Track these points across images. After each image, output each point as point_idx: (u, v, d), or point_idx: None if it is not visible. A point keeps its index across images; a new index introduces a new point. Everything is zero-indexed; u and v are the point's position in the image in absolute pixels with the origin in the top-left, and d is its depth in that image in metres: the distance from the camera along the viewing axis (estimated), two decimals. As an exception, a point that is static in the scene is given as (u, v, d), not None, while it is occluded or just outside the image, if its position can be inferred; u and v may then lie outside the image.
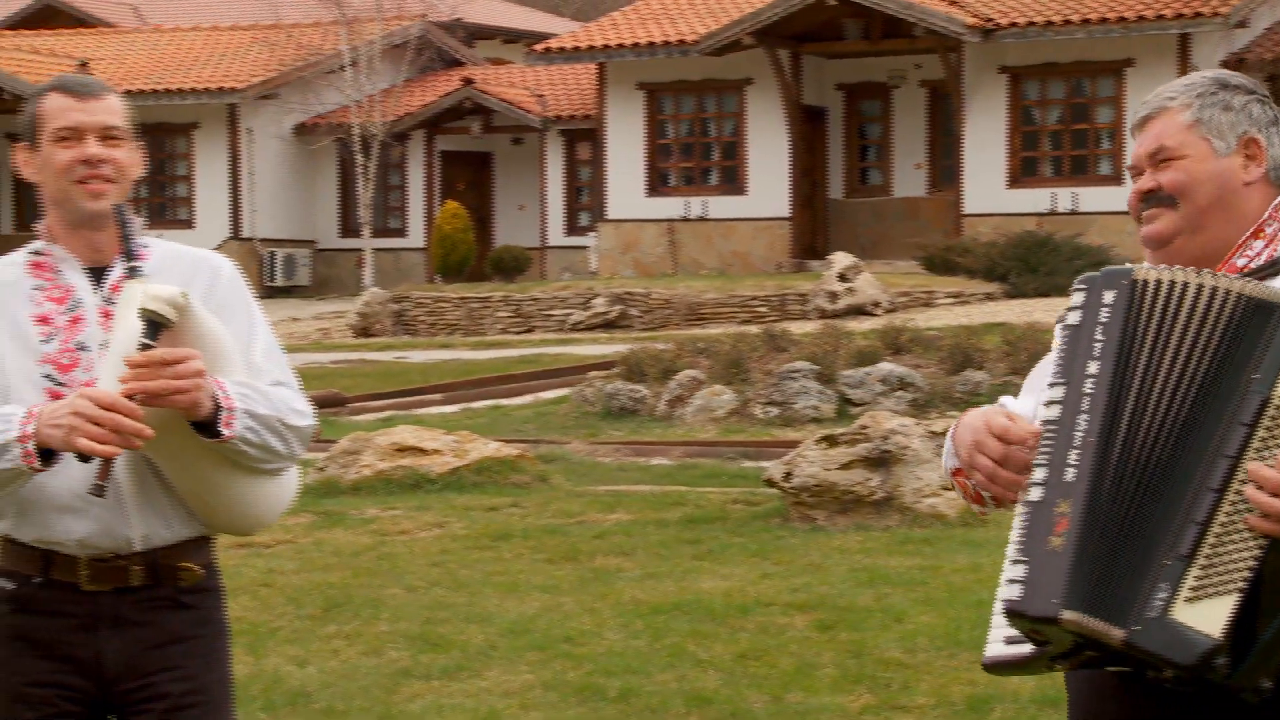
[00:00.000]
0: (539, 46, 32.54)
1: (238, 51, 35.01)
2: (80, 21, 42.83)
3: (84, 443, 3.05)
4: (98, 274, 3.29)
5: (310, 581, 8.49)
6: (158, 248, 3.37)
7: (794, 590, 8.11)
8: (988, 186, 28.78)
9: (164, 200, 34.33)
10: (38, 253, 3.33)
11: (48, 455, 3.13)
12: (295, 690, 6.58)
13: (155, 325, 3.10)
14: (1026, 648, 2.56)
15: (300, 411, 3.30)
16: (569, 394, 17.10)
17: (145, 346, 3.09)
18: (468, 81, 33.68)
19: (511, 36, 43.31)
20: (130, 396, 3.06)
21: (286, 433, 3.26)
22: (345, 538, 9.73)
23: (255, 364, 3.29)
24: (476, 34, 41.17)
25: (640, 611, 7.74)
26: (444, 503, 10.84)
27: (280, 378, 3.32)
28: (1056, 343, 2.68)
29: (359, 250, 33.34)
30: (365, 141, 32.59)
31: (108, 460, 3.08)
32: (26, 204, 36.11)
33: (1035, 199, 28.10)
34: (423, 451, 11.67)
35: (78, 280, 3.30)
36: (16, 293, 3.30)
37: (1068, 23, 28.02)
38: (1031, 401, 2.79)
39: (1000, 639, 2.60)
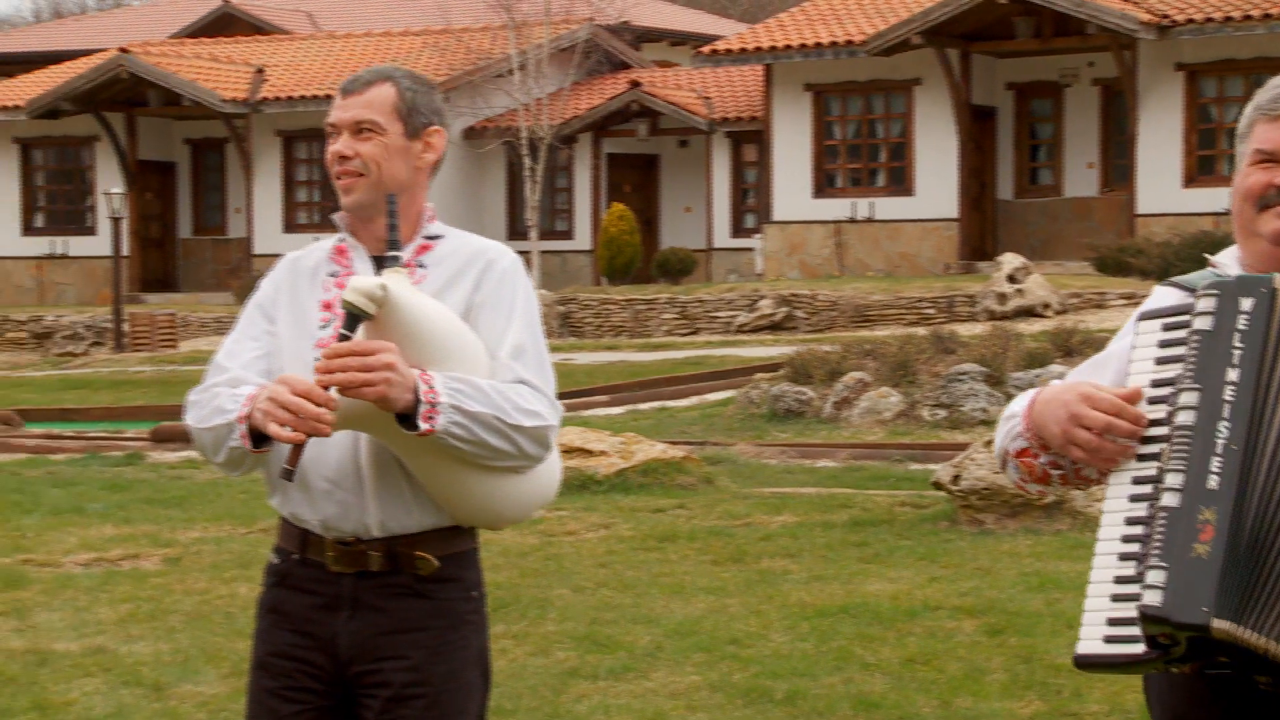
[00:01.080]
0: (706, 48, 32.55)
1: (408, 56, 35.43)
2: (257, 29, 43.66)
3: (273, 428, 3.11)
4: (381, 263, 3.32)
5: (478, 580, 8.54)
6: (448, 239, 3.40)
7: (962, 594, 8.02)
8: (1162, 186, 28.27)
9: (335, 204, 34.83)
10: (343, 239, 3.42)
11: (264, 438, 3.19)
12: (463, 688, 6.62)
13: (354, 317, 3.13)
14: (1137, 648, 2.49)
15: (530, 411, 3.23)
16: (734, 396, 17.08)
17: (343, 337, 3.13)
18: (634, 84, 33.79)
19: (678, 39, 43.38)
20: (324, 386, 3.10)
21: (510, 431, 3.21)
22: (513, 538, 9.79)
23: (500, 360, 3.27)
24: (644, 37, 41.29)
25: (806, 614, 7.70)
26: (610, 504, 10.87)
27: (525, 376, 3.27)
28: (1154, 339, 2.62)
29: (526, 252, 33.57)
30: (533, 144, 32.83)
31: (298, 446, 3.12)
32: (204, 208, 36.87)
33: (1212, 198, 27.51)
34: (589, 453, 11.72)
35: (363, 268, 3.35)
36: (314, 278, 3.38)
37: (1247, 18, 27.42)
38: None
39: (1098, 636, 2.53)
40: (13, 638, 7.63)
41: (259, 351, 3.36)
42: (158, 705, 6.57)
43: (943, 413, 14.97)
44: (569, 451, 11.72)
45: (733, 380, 18.75)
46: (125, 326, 28.82)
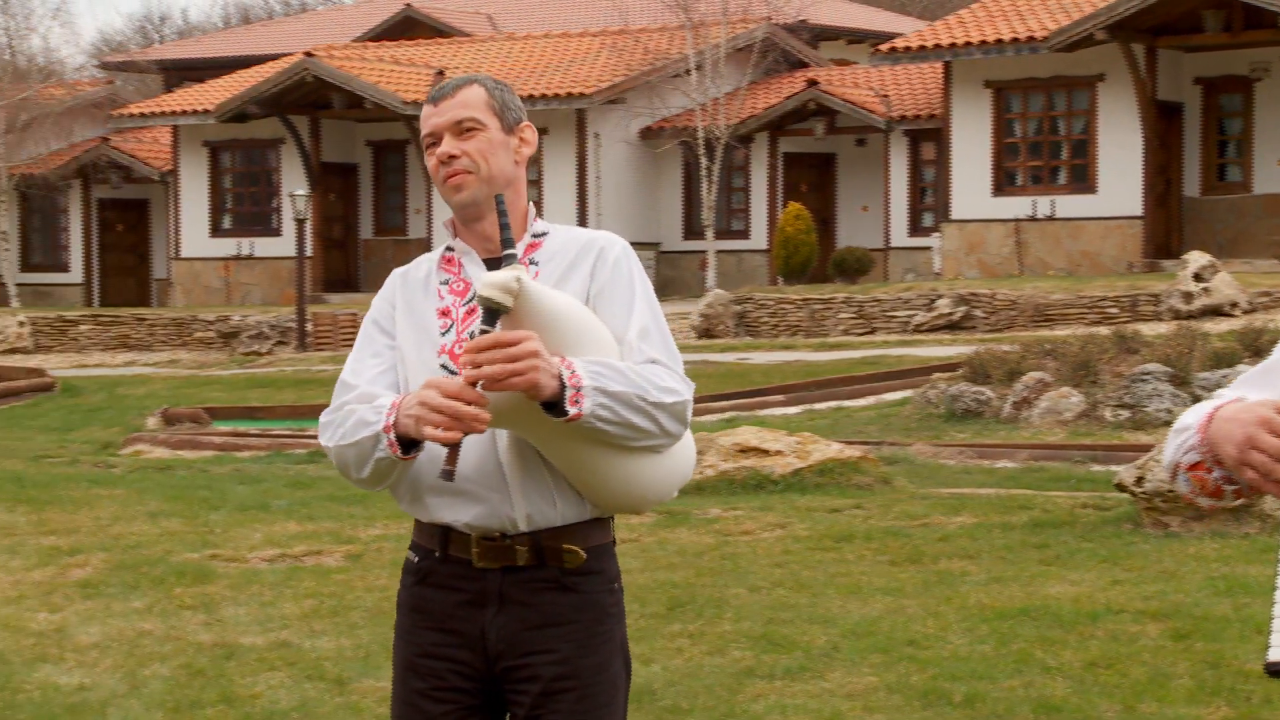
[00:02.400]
0: (884, 46, 32.34)
1: (586, 57, 35.65)
2: (438, 32, 44.20)
3: (429, 431, 3.13)
4: (494, 265, 3.34)
5: (655, 580, 8.57)
6: (554, 234, 3.42)
7: (1146, 598, 7.86)
8: (1356, 182, 27.52)
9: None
10: (449, 248, 3.45)
11: (412, 444, 3.22)
12: (640, 688, 6.64)
13: (492, 311, 3.15)
14: None
15: (667, 388, 3.24)
16: (912, 396, 16.94)
17: (483, 332, 3.15)
18: (812, 83, 33.66)
19: (856, 37, 43.12)
20: (472, 383, 3.12)
21: (651, 409, 3.22)
22: (689, 537, 9.80)
23: (629, 343, 3.29)
24: (821, 35, 41.11)
25: (986, 616, 7.61)
26: (786, 503, 10.83)
27: (655, 356, 3.29)
28: None
29: (702, 252, 33.62)
30: (709, 144, 32.84)
31: (455, 446, 3.14)
32: (385, 209, 37.40)
33: (1407, 195, 26.80)
34: (765, 452, 11.69)
35: (475, 272, 3.37)
36: (427, 288, 3.41)
37: None
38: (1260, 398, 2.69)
39: None
40: (201, 631, 7.80)
41: (383, 366, 3.39)
42: (340, 699, 6.68)
43: (1126, 413, 14.71)
44: (744, 451, 11.70)
45: (910, 380, 18.60)
46: (308, 326, 29.34)
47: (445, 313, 3.37)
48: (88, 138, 40.39)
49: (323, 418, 3.40)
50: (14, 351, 32.15)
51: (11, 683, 7.01)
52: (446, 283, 3.40)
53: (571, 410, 3.15)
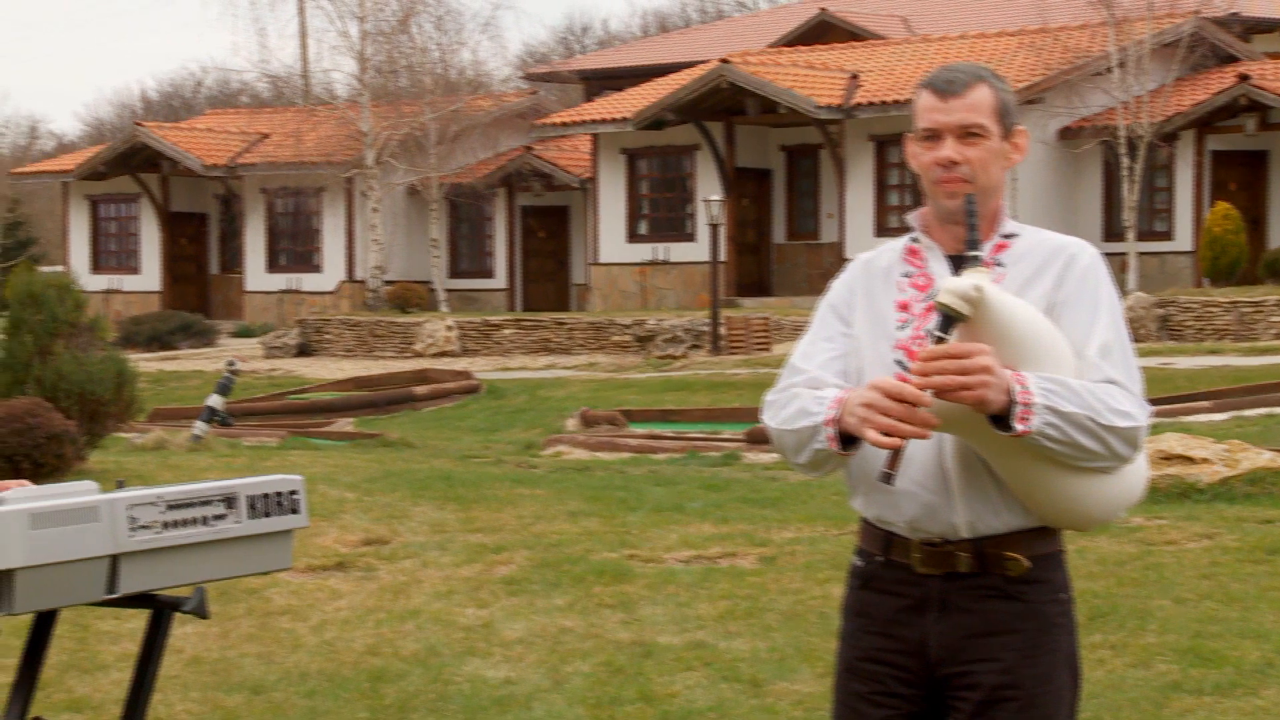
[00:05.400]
0: (1319, 37, 30.89)
1: (1004, 57, 35.09)
2: (852, 35, 44.13)
3: (871, 433, 3.12)
4: (958, 263, 3.30)
5: (1075, 590, 8.33)
6: (1024, 237, 3.37)
7: None
8: None
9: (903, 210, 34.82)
10: (915, 239, 3.42)
11: (851, 440, 3.21)
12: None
13: (948, 319, 3.11)
14: None
15: (1122, 412, 3.17)
16: (1351, 403, 16.13)
17: (937, 340, 3.11)
18: (1243, 78, 32.39)
19: (1290, 28, 41.29)
20: (919, 389, 3.09)
21: (1101, 432, 3.15)
22: (1109, 546, 9.53)
23: (1088, 359, 3.21)
24: (1254, 28, 39.52)
25: None
26: (1213, 513, 10.44)
27: (1114, 375, 3.21)
28: None
29: (1123, 254, 32.71)
30: (1131, 143, 31.95)
31: (897, 451, 3.12)
32: (797, 214, 37.56)
33: None
34: (1191, 460, 11.30)
35: (939, 269, 3.34)
36: (887, 279, 3.39)
37: None
38: None
39: None
40: (620, 630, 7.95)
41: (835, 353, 3.38)
42: (755, 701, 6.71)
43: None
44: (1168, 458, 11.33)
45: (1348, 387, 17.73)
46: (721, 330, 29.66)
47: (904, 306, 3.34)
48: (512, 147, 41.77)
49: (769, 395, 3.42)
50: (443, 355, 33.49)
51: (443, 675, 7.28)
52: (908, 275, 3.37)
53: (1019, 427, 3.10)
